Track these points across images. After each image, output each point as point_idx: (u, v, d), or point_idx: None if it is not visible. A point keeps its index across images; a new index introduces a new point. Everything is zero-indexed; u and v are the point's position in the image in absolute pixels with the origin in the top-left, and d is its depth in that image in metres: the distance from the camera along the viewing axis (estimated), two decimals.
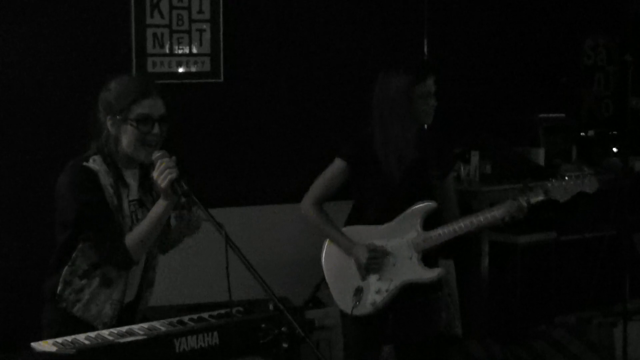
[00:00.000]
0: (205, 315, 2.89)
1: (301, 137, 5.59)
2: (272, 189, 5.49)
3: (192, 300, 4.66)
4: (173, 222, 3.24)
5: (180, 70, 5.24)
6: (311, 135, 5.58)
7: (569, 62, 6.78)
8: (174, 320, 2.86)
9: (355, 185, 3.93)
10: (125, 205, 3.14)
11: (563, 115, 6.38)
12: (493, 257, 5.56)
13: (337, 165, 3.91)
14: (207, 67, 5.30)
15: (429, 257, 3.85)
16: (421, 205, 3.82)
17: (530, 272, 6.00)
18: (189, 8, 5.22)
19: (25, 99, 4.89)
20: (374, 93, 3.85)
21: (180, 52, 5.22)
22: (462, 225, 3.77)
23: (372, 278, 3.84)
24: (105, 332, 2.75)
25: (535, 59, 6.51)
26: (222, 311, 2.89)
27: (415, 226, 3.82)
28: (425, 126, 3.92)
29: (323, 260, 3.97)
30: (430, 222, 3.83)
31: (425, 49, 6.06)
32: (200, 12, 5.25)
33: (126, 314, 3.16)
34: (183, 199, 2.98)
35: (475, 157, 5.76)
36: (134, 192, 3.18)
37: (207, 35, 5.28)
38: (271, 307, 2.74)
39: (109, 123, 3.11)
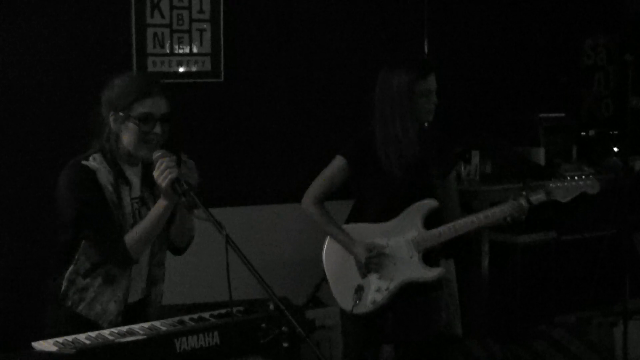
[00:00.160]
0: (205, 315, 2.89)
1: (301, 136, 5.59)
2: (272, 189, 5.49)
3: (192, 300, 4.66)
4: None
5: (181, 69, 5.24)
6: (311, 135, 5.58)
7: (569, 61, 6.78)
8: (175, 319, 2.86)
9: (356, 183, 3.93)
10: (126, 202, 3.14)
11: (563, 115, 6.38)
12: (493, 257, 5.56)
13: (338, 162, 3.91)
14: (207, 66, 5.30)
15: (429, 256, 3.85)
16: (422, 203, 3.82)
17: (531, 272, 6.00)
18: (189, 8, 5.22)
19: (25, 98, 4.89)
20: (375, 90, 3.85)
21: (180, 51, 5.22)
22: (462, 224, 3.77)
23: (373, 276, 3.84)
24: (105, 332, 2.75)
25: (536, 58, 6.51)
26: (223, 311, 2.90)
27: (416, 225, 3.82)
28: (426, 125, 3.92)
29: (324, 258, 3.97)
30: (431, 221, 3.83)
31: (425, 49, 6.06)
32: (200, 11, 5.25)
33: (133, 313, 3.15)
34: (183, 199, 2.98)
35: (475, 157, 5.77)
36: (136, 189, 3.18)
37: (207, 35, 5.28)
38: (271, 306, 2.74)
39: (111, 120, 3.11)
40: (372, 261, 3.80)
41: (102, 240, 3.08)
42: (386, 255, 3.82)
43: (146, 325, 2.80)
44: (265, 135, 5.52)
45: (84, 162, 3.10)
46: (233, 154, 5.44)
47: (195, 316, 2.88)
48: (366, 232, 3.87)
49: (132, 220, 3.14)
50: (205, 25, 5.27)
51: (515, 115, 6.24)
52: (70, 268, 3.14)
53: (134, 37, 5.08)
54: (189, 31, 5.24)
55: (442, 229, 3.80)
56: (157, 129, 3.08)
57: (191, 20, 5.23)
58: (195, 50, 5.26)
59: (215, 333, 2.70)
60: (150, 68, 5.10)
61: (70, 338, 2.67)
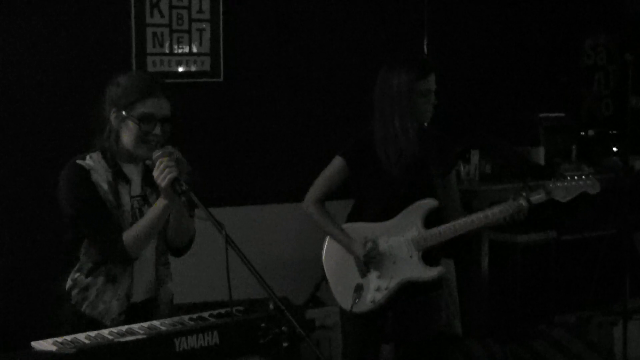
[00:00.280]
0: (205, 314, 2.89)
1: (301, 136, 5.59)
2: (272, 189, 5.49)
3: (192, 299, 4.66)
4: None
5: (180, 69, 5.24)
6: (311, 135, 5.58)
7: (569, 61, 6.78)
8: (174, 319, 2.86)
9: (356, 183, 3.93)
10: (126, 201, 3.14)
11: (563, 114, 6.38)
12: (493, 257, 5.56)
13: (337, 163, 3.91)
14: (207, 66, 5.30)
15: (429, 256, 3.85)
16: (422, 203, 3.82)
17: (531, 272, 6.00)
18: (188, 7, 5.22)
19: (25, 98, 4.88)
20: (375, 89, 3.85)
21: (180, 51, 5.22)
22: (462, 224, 3.77)
23: (372, 275, 3.84)
24: (105, 332, 2.75)
25: (536, 58, 6.51)
26: (222, 310, 2.90)
27: (416, 224, 3.82)
28: (426, 125, 3.92)
29: (324, 257, 3.98)
30: (432, 220, 3.83)
31: (425, 49, 6.06)
32: (200, 11, 5.24)
33: (141, 312, 3.13)
34: (183, 198, 2.99)
35: (475, 157, 5.77)
36: (136, 188, 3.18)
37: (207, 35, 5.27)
38: (271, 306, 2.74)
39: (112, 117, 3.11)
40: (370, 255, 3.80)
41: (99, 238, 3.08)
42: (382, 251, 3.82)
43: (146, 324, 2.80)
44: (265, 135, 5.52)
45: (78, 161, 3.11)
46: (233, 154, 5.44)
47: (195, 316, 2.88)
48: (366, 231, 3.87)
49: (131, 218, 3.14)
50: (204, 25, 5.27)
51: (515, 115, 6.24)
52: (75, 267, 3.15)
53: (133, 36, 5.07)
54: (189, 31, 5.24)
55: (442, 228, 3.79)
56: (157, 130, 3.08)
57: (190, 20, 5.23)
58: (194, 50, 5.26)
59: (215, 333, 2.70)
60: (150, 68, 5.10)
61: (69, 338, 2.67)
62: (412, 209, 3.83)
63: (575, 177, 3.78)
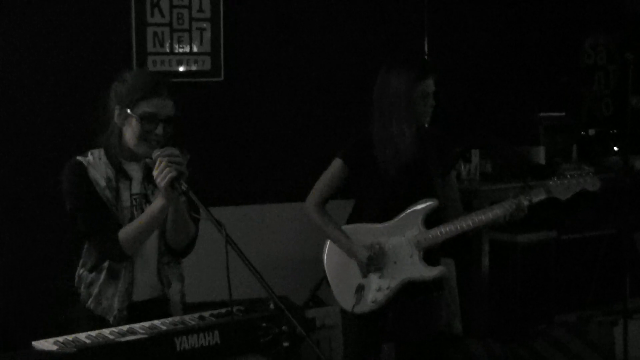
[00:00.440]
0: (205, 314, 2.89)
1: (301, 135, 5.59)
2: (272, 188, 5.49)
3: (192, 299, 4.65)
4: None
5: (181, 69, 5.24)
6: (311, 134, 5.58)
7: (569, 61, 6.78)
8: (175, 319, 2.86)
9: (356, 184, 3.93)
10: (125, 197, 3.14)
11: (563, 114, 6.38)
12: (493, 256, 5.56)
13: (336, 165, 3.90)
14: (207, 66, 5.30)
15: (430, 255, 3.85)
16: (423, 202, 3.82)
17: (531, 271, 6.00)
18: (189, 7, 5.22)
19: (25, 98, 4.89)
20: (375, 90, 3.85)
21: (180, 50, 5.22)
22: (462, 223, 3.77)
23: (373, 276, 3.84)
24: (106, 331, 2.75)
25: (536, 58, 6.51)
26: (223, 310, 2.89)
27: (417, 224, 3.82)
28: (426, 125, 3.92)
29: (325, 258, 3.97)
30: (432, 220, 3.83)
31: (426, 49, 6.06)
32: (200, 10, 5.24)
33: (146, 312, 3.11)
34: (183, 198, 2.98)
35: (475, 156, 5.77)
36: (137, 185, 3.18)
37: (207, 34, 5.28)
38: (272, 306, 2.74)
39: (116, 113, 3.12)
40: (372, 262, 3.80)
41: (94, 234, 3.10)
42: (387, 254, 3.82)
43: (146, 324, 2.80)
44: (265, 135, 5.52)
45: (77, 158, 3.14)
46: (233, 153, 5.44)
47: (195, 315, 2.88)
48: (367, 232, 3.87)
49: (130, 215, 3.14)
50: (205, 25, 5.27)
51: (515, 114, 6.24)
52: (80, 262, 3.19)
53: (134, 36, 5.08)
54: (189, 30, 5.24)
55: (442, 228, 3.79)
56: (159, 130, 3.08)
57: (191, 20, 5.23)
58: (195, 49, 5.26)
59: (216, 332, 2.70)
60: (150, 67, 5.11)
61: (70, 337, 2.67)
62: (412, 209, 3.83)
63: (575, 175, 3.78)
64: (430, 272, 3.82)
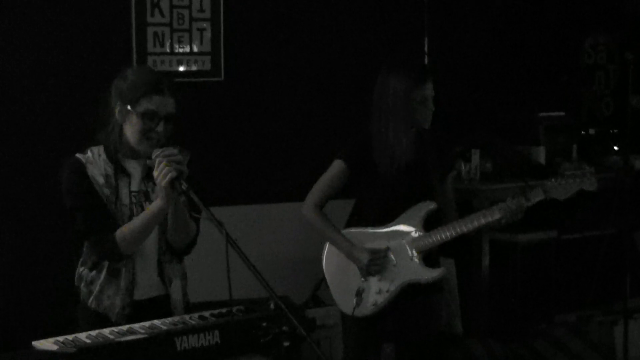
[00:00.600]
0: (206, 313, 2.89)
1: (302, 135, 5.59)
2: (272, 188, 5.49)
3: (192, 299, 4.65)
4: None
5: (181, 69, 5.24)
6: (311, 134, 5.58)
7: (570, 60, 6.78)
8: (175, 318, 2.86)
9: (356, 186, 3.92)
10: (124, 195, 3.13)
11: (563, 113, 6.38)
12: (494, 256, 5.56)
13: (337, 167, 3.89)
14: (207, 65, 5.30)
15: (430, 257, 3.85)
16: (422, 205, 3.82)
17: (531, 271, 6.00)
18: (189, 7, 5.22)
19: (25, 98, 4.88)
20: (374, 92, 3.84)
21: (180, 50, 5.22)
22: (462, 225, 3.77)
23: (373, 278, 3.83)
24: (106, 331, 2.75)
25: (536, 57, 6.51)
26: (223, 310, 2.89)
27: (416, 226, 3.81)
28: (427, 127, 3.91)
29: (324, 261, 3.97)
30: (431, 222, 3.83)
31: (426, 49, 6.06)
32: (200, 10, 5.24)
33: (149, 310, 3.10)
34: (183, 198, 2.98)
35: (476, 156, 5.76)
36: (136, 183, 3.17)
37: (207, 34, 5.27)
38: (272, 305, 2.74)
39: (117, 110, 3.11)
40: (373, 265, 3.80)
41: (90, 232, 3.09)
42: (386, 258, 3.82)
43: (147, 324, 2.80)
44: (266, 135, 5.52)
45: (76, 156, 3.13)
46: (233, 153, 5.44)
47: (195, 315, 2.88)
48: (365, 236, 3.86)
49: (129, 213, 3.13)
50: (205, 25, 5.27)
51: (515, 114, 6.24)
52: (80, 261, 3.19)
53: (134, 36, 5.07)
54: (189, 30, 5.24)
55: (441, 230, 3.79)
56: (160, 128, 3.07)
57: (191, 19, 5.23)
58: (195, 49, 5.26)
59: (216, 332, 2.70)
60: (151, 67, 5.10)
61: (70, 337, 2.67)
62: (412, 211, 3.83)
63: (572, 175, 3.78)
64: (430, 274, 3.81)
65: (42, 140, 4.87)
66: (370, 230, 3.86)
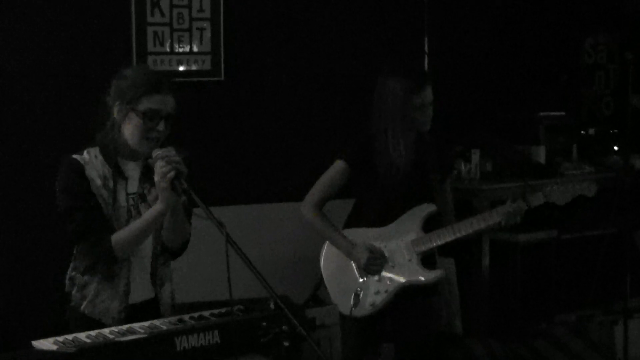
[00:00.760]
0: (206, 313, 2.89)
1: (302, 135, 5.59)
2: (272, 188, 5.49)
3: (192, 298, 4.66)
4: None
5: (181, 68, 5.23)
6: (312, 134, 5.58)
7: (570, 60, 6.78)
8: (175, 318, 2.86)
9: (356, 186, 3.92)
10: (122, 197, 3.11)
11: (564, 113, 6.38)
12: (494, 256, 5.56)
13: (338, 167, 3.89)
14: (207, 65, 5.30)
15: (428, 259, 3.85)
16: (422, 207, 3.83)
17: (531, 271, 6.00)
18: (189, 6, 5.22)
19: (25, 98, 4.88)
20: (374, 96, 3.84)
21: (180, 50, 5.22)
22: (462, 229, 3.78)
23: (371, 279, 3.83)
24: (106, 331, 2.75)
25: (536, 57, 6.51)
26: (223, 310, 2.89)
27: (415, 228, 3.82)
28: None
29: (322, 262, 3.97)
30: (430, 224, 3.83)
31: (426, 49, 6.06)
32: (200, 10, 5.24)
33: (142, 313, 3.08)
34: (184, 198, 2.97)
35: (476, 156, 5.77)
36: (134, 185, 3.15)
37: (207, 34, 5.27)
38: (272, 305, 2.74)
39: (115, 109, 3.08)
40: (371, 264, 3.80)
41: (86, 235, 3.04)
42: (385, 257, 3.82)
43: (146, 324, 2.80)
44: (266, 134, 5.52)
45: (74, 156, 3.09)
46: (233, 153, 5.44)
47: (195, 315, 2.88)
48: (364, 236, 3.86)
49: (127, 215, 3.11)
50: (205, 24, 5.27)
51: (515, 114, 6.24)
52: (71, 265, 3.14)
53: (134, 35, 5.07)
54: (189, 30, 5.23)
55: (441, 232, 3.79)
56: (161, 127, 3.05)
57: (191, 19, 5.23)
58: (195, 49, 5.26)
59: (216, 332, 2.69)
60: (151, 67, 5.10)
61: (70, 337, 2.67)
62: (411, 213, 3.83)
63: (572, 181, 3.80)
64: (428, 276, 3.81)
65: (42, 140, 4.87)
66: (370, 230, 3.86)
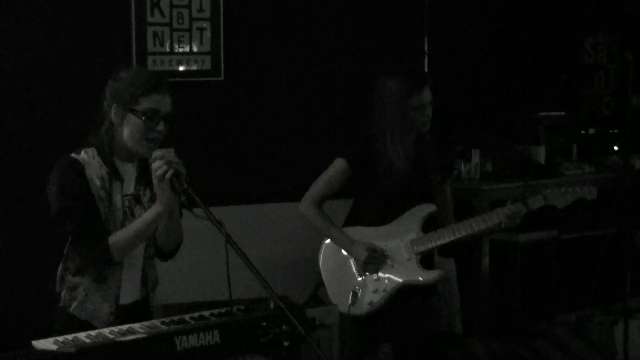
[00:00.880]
0: (206, 313, 2.89)
1: (302, 135, 5.59)
2: (272, 188, 5.49)
3: (192, 298, 4.66)
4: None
5: (181, 68, 5.23)
6: (311, 134, 5.58)
7: (570, 60, 6.78)
8: (175, 318, 2.86)
9: (356, 185, 3.92)
10: (117, 199, 3.09)
11: (564, 113, 6.38)
12: (494, 256, 5.56)
13: (339, 165, 3.89)
14: (207, 65, 5.30)
15: (427, 259, 3.85)
16: (422, 207, 3.83)
17: (531, 271, 6.00)
18: (189, 6, 5.21)
19: (25, 98, 4.88)
20: (373, 98, 3.84)
21: (180, 50, 5.21)
22: (461, 229, 3.78)
23: (370, 278, 3.84)
24: (106, 331, 2.75)
25: (536, 57, 6.51)
26: (223, 310, 2.89)
27: (415, 228, 3.82)
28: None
29: (320, 260, 3.97)
30: (430, 225, 3.83)
31: (426, 49, 6.05)
32: (200, 10, 5.24)
33: (131, 315, 3.07)
34: (183, 197, 2.97)
35: (476, 156, 5.77)
36: (129, 186, 3.13)
37: (207, 34, 5.27)
38: (272, 305, 2.74)
39: (113, 111, 3.06)
40: (370, 262, 3.80)
41: (83, 236, 3.01)
42: (385, 256, 3.82)
43: (146, 323, 2.80)
44: (266, 134, 5.52)
45: (73, 155, 3.06)
46: (233, 153, 5.43)
47: (195, 315, 2.88)
48: (364, 235, 3.86)
49: (122, 217, 3.09)
50: (205, 24, 5.27)
51: (515, 113, 6.24)
52: (61, 266, 3.10)
53: (134, 35, 5.07)
54: (189, 30, 5.23)
55: (440, 233, 3.80)
56: (160, 127, 3.04)
57: (191, 19, 5.23)
58: (195, 49, 5.25)
59: (216, 332, 2.69)
60: (151, 67, 5.10)
61: (70, 337, 2.67)
62: (411, 213, 3.83)
63: (572, 184, 3.81)
64: (427, 276, 3.81)
65: (42, 140, 4.86)
66: (369, 229, 3.86)
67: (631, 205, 4.97)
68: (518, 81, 6.41)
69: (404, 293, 3.82)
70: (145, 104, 3.03)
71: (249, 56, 5.43)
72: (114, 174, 3.10)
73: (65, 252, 3.09)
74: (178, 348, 2.63)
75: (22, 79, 4.87)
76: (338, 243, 3.89)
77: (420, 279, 3.80)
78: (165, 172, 2.86)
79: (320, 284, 4.04)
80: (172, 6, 5.17)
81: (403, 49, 5.89)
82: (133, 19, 5.06)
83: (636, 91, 5.39)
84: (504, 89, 6.34)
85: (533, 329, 5.60)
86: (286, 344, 2.70)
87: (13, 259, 4.84)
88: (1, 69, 4.82)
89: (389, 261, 3.82)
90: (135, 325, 2.77)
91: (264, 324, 2.72)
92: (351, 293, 3.82)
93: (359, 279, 3.84)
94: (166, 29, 5.17)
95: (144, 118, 3.02)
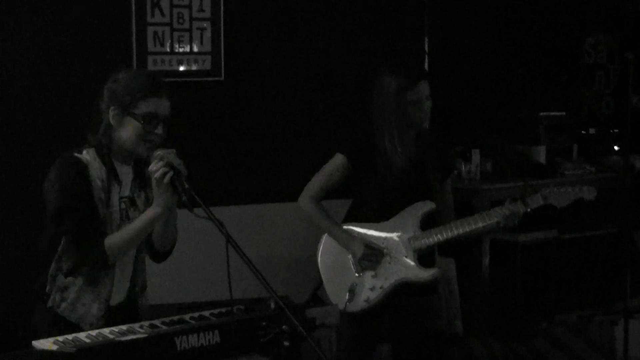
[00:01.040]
0: (206, 313, 2.89)
1: (301, 135, 5.59)
2: (272, 187, 5.49)
3: (192, 298, 4.66)
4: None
5: (181, 68, 5.23)
6: (311, 134, 5.58)
7: (570, 60, 6.78)
8: (175, 318, 2.86)
9: (355, 182, 3.92)
10: (115, 200, 3.09)
11: (564, 113, 6.38)
12: (494, 255, 5.56)
13: (338, 160, 3.89)
14: (207, 65, 5.30)
15: (425, 257, 3.85)
16: (421, 204, 3.82)
17: (531, 270, 6.00)
18: (189, 6, 5.21)
19: (25, 98, 4.88)
20: (372, 95, 3.84)
21: (181, 50, 5.22)
22: (459, 227, 3.77)
23: (367, 275, 3.83)
24: (106, 331, 2.74)
25: (536, 57, 6.51)
26: (223, 309, 2.89)
27: (413, 225, 3.82)
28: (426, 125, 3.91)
29: (319, 256, 3.97)
30: (428, 223, 3.83)
31: (426, 49, 6.06)
32: (200, 10, 5.24)
33: (119, 315, 3.05)
34: (184, 197, 2.96)
35: (476, 155, 5.77)
36: (126, 189, 3.13)
37: (207, 34, 5.27)
38: (272, 305, 2.74)
39: (111, 114, 3.05)
40: (367, 259, 3.80)
41: (80, 237, 2.99)
42: (383, 254, 3.82)
43: (147, 323, 2.80)
44: (266, 134, 5.52)
45: (76, 154, 3.04)
46: (233, 153, 5.44)
47: (195, 315, 2.88)
48: (362, 231, 3.86)
49: (118, 219, 3.09)
50: (205, 24, 5.27)
51: (516, 113, 6.24)
52: (53, 265, 3.07)
53: (134, 35, 5.07)
54: (190, 30, 5.23)
55: (438, 230, 3.79)
56: (159, 130, 3.03)
57: (191, 19, 5.23)
58: (195, 49, 5.26)
59: (216, 332, 2.69)
60: (151, 67, 5.10)
61: (70, 337, 2.67)
62: (409, 210, 3.83)
63: (572, 184, 3.80)
64: (424, 274, 3.81)
65: (42, 140, 4.86)
66: (367, 225, 3.86)
67: (631, 205, 4.97)
68: (518, 81, 6.41)
69: (402, 291, 3.82)
70: (144, 107, 3.02)
71: (249, 56, 5.44)
72: (113, 175, 3.09)
73: (58, 251, 3.06)
74: (178, 348, 2.62)
75: (22, 78, 4.87)
76: (336, 238, 3.89)
77: (417, 276, 3.80)
78: (165, 174, 2.86)
79: (320, 284, 4.04)
80: (172, 6, 5.17)
81: (403, 49, 5.89)
82: (133, 19, 5.06)
83: (636, 91, 5.39)
84: (504, 89, 6.35)
85: (533, 329, 5.60)
86: (286, 343, 2.70)
87: (13, 259, 4.84)
88: (1, 69, 4.82)
89: (386, 258, 3.82)
90: (135, 325, 2.77)
91: (264, 323, 2.72)
92: (348, 289, 3.82)
93: (357, 275, 3.84)
94: (166, 29, 5.17)
95: (142, 122, 3.01)
